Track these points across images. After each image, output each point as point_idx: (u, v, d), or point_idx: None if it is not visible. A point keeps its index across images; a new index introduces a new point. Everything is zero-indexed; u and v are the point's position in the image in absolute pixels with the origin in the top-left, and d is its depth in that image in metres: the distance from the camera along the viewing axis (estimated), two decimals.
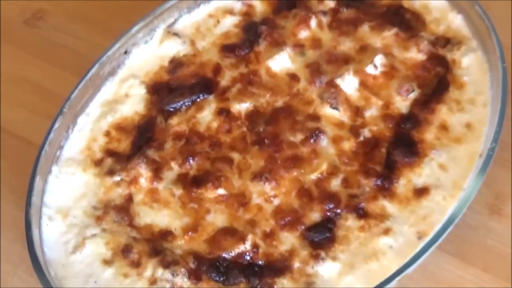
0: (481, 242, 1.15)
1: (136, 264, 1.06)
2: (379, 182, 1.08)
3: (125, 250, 1.06)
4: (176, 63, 1.22)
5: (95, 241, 1.07)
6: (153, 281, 1.04)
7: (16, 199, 1.21)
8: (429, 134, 1.11)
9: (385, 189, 1.08)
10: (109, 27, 1.37)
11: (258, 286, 1.04)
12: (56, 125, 1.13)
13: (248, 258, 1.05)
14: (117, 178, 1.12)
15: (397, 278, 1.00)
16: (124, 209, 1.09)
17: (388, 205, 1.07)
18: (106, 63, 1.20)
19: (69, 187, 1.13)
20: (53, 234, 1.09)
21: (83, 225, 1.09)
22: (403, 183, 1.08)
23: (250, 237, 1.06)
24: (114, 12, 1.42)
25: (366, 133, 1.13)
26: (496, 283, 1.11)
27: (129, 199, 1.10)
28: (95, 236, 1.08)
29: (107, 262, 1.06)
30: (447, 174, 1.07)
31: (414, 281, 1.10)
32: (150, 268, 1.05)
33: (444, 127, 1.12)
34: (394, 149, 1.10)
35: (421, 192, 1.06)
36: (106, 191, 1.11)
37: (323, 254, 1.05)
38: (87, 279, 1.05)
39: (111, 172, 1.13)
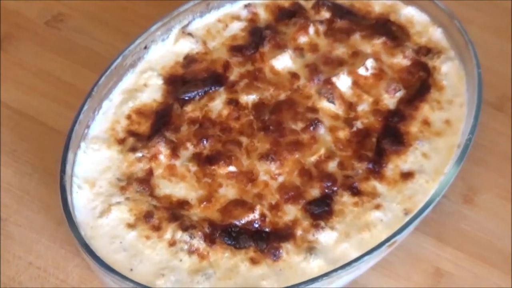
0: (455, 226, 1.30)
1: (157, 228, 1.16)
2: (370, 166, 1.18)
3: (147, 216, 1.13)
4: (189, 59, 1.30)
5: (120, 208, 1.13)
6: (172, 243, 1.15)
7: (39, 176, 1.33)
8: (414, 128, 1.22)
9: (376, 172, 1.17)
10: (125, 31, 1.50)
11: (265, 250, 1.16)
12: (85, 107, 1.24)
13: (257, 225, 1.17)
14: (139, 154, 1.19)
15: (386, 244, 1.13)
16: (145, 181, 1.15)
17: (378, 186, 1.20)
18: (128, 55, 1.31)
19: (95, 161, 1.21)
20: (81, 200, 1.18)
21: (108, 194, 1.15)
22: (391, 168, 1.17)
23: (258, 207, 1.18)
24: (129, 18, 1.55)
25: (358, 124, 1.22)
26: (468, 261, 1.27)
27: (150, 173, 1.17)
28: (120, 203, 1.13)
29: (130, 226, 1.16)
30: (429, 162, 1.19)
31: (398, 258, 1.25)
32: (170, 232, 1.16)
33: (426, 122, 1.24)
34: (383, 138, 1.20)
35: (407, 175, 1.17)
36: (129, 165, 1.17)
37: (322, 223, 1.17)
38: (113, 240, 1.15)
39: (133, 149, 1.18)
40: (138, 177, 1.16)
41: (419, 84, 1.34)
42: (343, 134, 1.22)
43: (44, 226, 1.23)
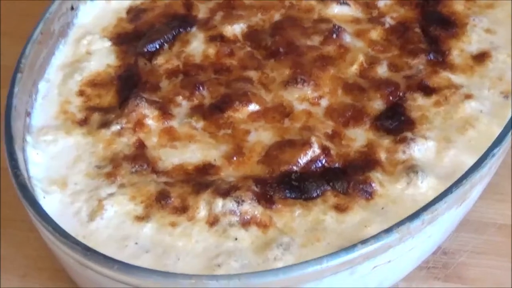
0: None
1: (182, 209, 0.79)
2: (431, 57, 0.94)
3: (160, 198, 0.79)
4: (135, 12, 1.02)
5: (116, 200, 0.80)
6: (213, 220, 0.78)
7: None
8: (458, 6, 1.02)
9: (441, 63, 0.94)
10: None
11: (349, 189, 0.79)
12: (15, 89, 0.84)
13: (323, 162, 0.82)
14: (116, 127, 0.87)
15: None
16: (139, 157, 0.84)
17: (453, 77, 0.92)
18: (52, 20, 0.94)
19: (55, 155, 0.86)
20: (54, 207, 0.79)
21: (91, 188, 0.82)
22: (457, 53, 0.96)
23: (314, 139, 0.83)
24: None
25: (389, 20, 1.00)
26: None
27: (141, 145, 0.86)
28: (114, 195, 0.80)
29: (141, 218, 0.79)
30: (497, 35, 0.98)
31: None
32: (204, 206, 0.78)
33: None
34: (428, 26, 0.98)
35: (481, 57, 0.95)
36: (107, 145, 0.86)
37: (409, 134, 0.84)
38: (124, 243, 0.77)
39: (105, 124, 0.87)
40: (126, 155, 0.85)
41: None
42: (376, 34, 0.98)
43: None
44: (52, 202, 0.80)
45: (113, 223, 0.78)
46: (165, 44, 0.97)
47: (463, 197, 0.77)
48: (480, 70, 0.92)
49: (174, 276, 0.70)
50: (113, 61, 0.97)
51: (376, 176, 0.81)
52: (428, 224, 0.74)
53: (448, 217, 0.77)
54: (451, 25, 0.97)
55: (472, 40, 0.96)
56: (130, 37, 0.99)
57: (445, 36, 0.96)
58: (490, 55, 0.94)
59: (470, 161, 0.80)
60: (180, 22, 1.00)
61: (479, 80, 0.91)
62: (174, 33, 0.98)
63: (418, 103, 0.88)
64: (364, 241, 0.71)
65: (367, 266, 0.72)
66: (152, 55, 0.96)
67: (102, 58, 0.97)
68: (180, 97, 0.90)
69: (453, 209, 0.77)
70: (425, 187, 0.80)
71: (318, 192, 0.80)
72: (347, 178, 0.81)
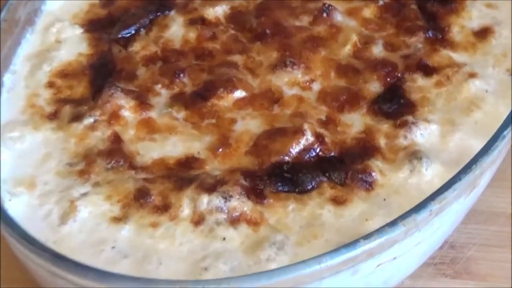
0: None
1: (163, 207, 0.72)
2: (430, 34, 0.88)
3: (139, 196, 0.73)
4: None
5: (90, 200, 0.73)
6: (198, 219, 0.71)
7: None
8: None
9: (440, 40, 0.88)
10: None
11: (347, 179, 0.72)
12: None
13: (318, 151, 0.75)
14: (89, 120, 0.80)
15: None
16: (114, 152, 0.77)
17: (454, 55, 0.86)
18: (17, 6, 0.87)
19: (22, 153, 0.79)
20: (21, 211, 0.71)
21: (63, 188, 0.75)
22: (458, 30, 0.89)
23: (307, 126, 0.76)
24: None
25: None
26: None
27: (116, 139, 0.79)
28: (87, 194, 0.73)
29: (118, 220, 0.72)
30: (499, 10, 0.92)
31: None
32: (187, 203, 0.72)
33: None
34: (425, 2, 0.93)
35: (483, 33, 0.89)
36: (79, 140, 0.79)
37: (410, 118, 0.77)
38: (100, 247, 0.70)
39: (77, 118, 0.80)
40: (100, 150, 0.78)
41: None
42: (369, 12, 0.92)
43: None
44: (18, 205, 0.73)
45: (87, 226, 0.71)
46: (142, 29, 0.91)
47: (473, 184, 0.71)
48: (483, 47, 0.87)
49: (156, 283, 0.63)
50: (85, 49, 0.90)
51: (376, 164, 0.74)
52: (436, 215, 0.67)
53: (456, 207, 0.71)
54: (450, 0, 0.91)
55: (473, 16, 0.90)
56: (103, 23, 0.93)
57: (444, 12, 0.90)
58: (493, 31, 0.88)
59: (477, 144, 0.74)
60: (158, 6, 0.94)
61: (482, 57, 0.85)
62: (151, 17, 0.92)
63: (418, 84, 0.82)
64: (366, 236, 0.64)
65: (371, 265, 0.66)
66: (128, 41, 0.90)
67: (73, 46, 0.91)
68: (159, 86, 0.84)
69: (462, 198, 0.70)
70: (430, 174, 0.73)
71: (313, 184, 0.73)
72: (344, 167, 0.74)
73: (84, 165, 0.76)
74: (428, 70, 0.83)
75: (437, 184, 0.71)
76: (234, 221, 0.70)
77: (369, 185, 0.73)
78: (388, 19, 0.90)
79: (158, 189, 0.73)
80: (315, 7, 0.90)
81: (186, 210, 0.71)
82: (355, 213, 0.71)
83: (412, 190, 0.72)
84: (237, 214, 0.70)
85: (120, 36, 0.90)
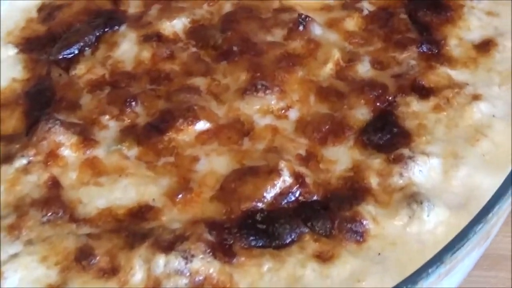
0: None
1: (111, 270, 0.62)
2: (424, 48, 0.79)
3: (82, 257, 0.63)
4: (49, 9, 0.87)
5: (21, 263, 0.63)
6: (153, 284, 0.62)
7: None
8: None
9: (436, 55, 0.78)
10: None
11: (334, 230, 0.61)
12: None
13: (297, 194, 0.65)
14: (21, 161, 0.69)
15: None
16: (52, 201, 0.67)
17: (453, 73, 0.76)
18: None
19: None
20: None
21: None
22: (455, 43, 0.79)
23: (283, 164, 0.66)
24: None
25: (367, 6, 0.84)
26: None
27: (54, 184, 0.69)
28: (18, 255, 0.63)
29: (56, 287, 0.60)
30: (501, 18, 0.82)
31: None
32: (140, 265, 0.61)
33: None
34: (416, 11, 0.83)
35: (485, 45, 0.79)
36: (9, 186, 0.69)
37: (405, 151, 0.66)
38: None
39: (7, 159, 0.70)
40: (34, 199, 0.68)
41: None
42: (353, 24, 0.82)
43: None
44: None
45: None
46: (87, 48, 0.82)
47: (487, 234, 0.58)
48: (485, 62, 0.77)
49: None
50: (20, 73, 0.82)
51: (368, 210, 0.64)
52: (446, 275, 0.55)
53: (468, 262, 0.59)
54: (444, 8, 0.82)
55: (472, 26, 0.81)
56: (42, 42, 0.84)
57: (438, 22, 0.81)
58: (495, 43, 0.79)
59: (488, 182, 0.65)
60: (106, 20, 0.84)
61: (485, 75, 0.76)
62: (98, 34, 0.83)
63: (413, 108, 0.73)
64: None
65: None
66: (70, 63, 0.81)
67: (6, 70, 0.81)
68: (107, 117, 0.74)
69: (474, 252, 0.58)
70: (433, 222, 0.63)
71: (292, 237, 0.63)
72: (329, 215, 0.64)
73: (15, 218, 0.67)
74: (423, 92, 0.74)
75: (442, 233, 0.62)
76: (197, 287, 0.59)
77: (360, 236, 0.63)
78: (375, 31, 0.80)
79: (104, 247, 0.63)
80: (290, 18, 0.81)
81: (138, 274, 0.61)
82: (344, 273, 0.61)
83: (412, 241, 0.62)
84: (200, 278, 0.60)
85: (61, 57, 0.81)
